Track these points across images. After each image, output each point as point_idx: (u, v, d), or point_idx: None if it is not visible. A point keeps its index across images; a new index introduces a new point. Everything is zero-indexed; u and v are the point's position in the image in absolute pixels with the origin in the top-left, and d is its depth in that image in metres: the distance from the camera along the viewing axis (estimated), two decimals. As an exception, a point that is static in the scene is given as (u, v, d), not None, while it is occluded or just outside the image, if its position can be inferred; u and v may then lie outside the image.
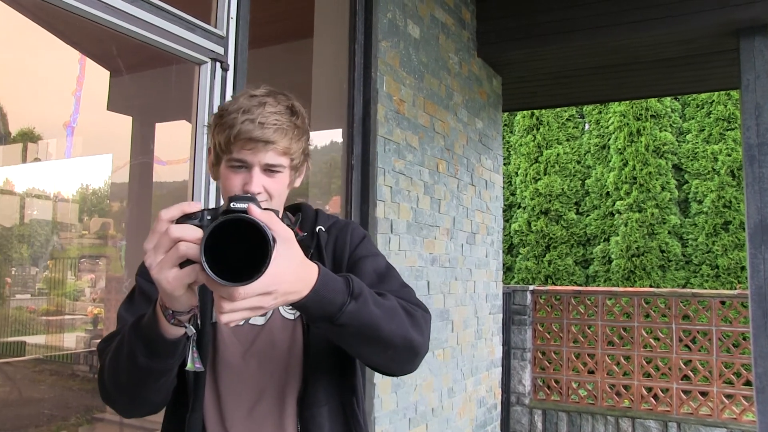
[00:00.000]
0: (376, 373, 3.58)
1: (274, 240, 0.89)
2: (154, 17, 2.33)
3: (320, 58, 3.74)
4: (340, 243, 1.37)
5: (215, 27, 2.61)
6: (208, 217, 0.96)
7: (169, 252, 0.92)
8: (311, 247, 1.36)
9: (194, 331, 1.07)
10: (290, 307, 1.22)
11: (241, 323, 1.30)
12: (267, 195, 1.25)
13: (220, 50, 2.59)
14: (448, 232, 4.62)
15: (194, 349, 1.11)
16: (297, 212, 1.46)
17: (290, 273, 0.94)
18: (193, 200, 2.48)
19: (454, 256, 4.71)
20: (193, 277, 0.93)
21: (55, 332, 6.08)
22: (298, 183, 1.40)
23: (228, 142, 1.24)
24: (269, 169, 1.26)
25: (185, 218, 0.95)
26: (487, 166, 5.45)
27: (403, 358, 1.18)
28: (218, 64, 2.57)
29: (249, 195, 0.99)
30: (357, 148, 3.59)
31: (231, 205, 0.90)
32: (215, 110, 1.33)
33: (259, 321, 1.31)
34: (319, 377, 1.28)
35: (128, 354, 1.10)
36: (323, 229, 1.38)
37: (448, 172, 4.61)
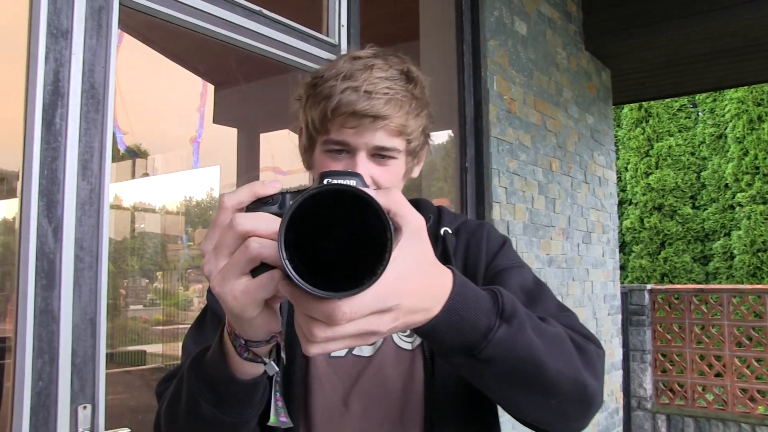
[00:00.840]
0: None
1: (395, 229, 0.61)
2: (269, 29, 2.31)
3: (428, 60, 3.65)
4: (473, 249, 1.04)
5: (327, 35, 2.57)
6: (291, 202, 0.61)
7: (234, 254, 0.61)
8: (436, 255, 1.06)
9: (276, 369, 0.75)
10: (407, 333, 0.96)
11: (342, 353, 0.99)
12: (376, 188, 0.93)
13: (332, 58, 2.54)
14: (564, 232, 4.40)
15: (278, 394, 0.80)
16: (415, 208, 1.21)
17: (418, 280, 0.62)
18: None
19: (571, 257, 4.49)
20: (271, 289, 0.61)
21: (169, 341, 6.22)
22: (416, 172, 1.08)
23: (324, 119, 0.95)
24: (379, 154, 0.97)
25: (258, 204, 0.65)
26: (600, 163, 5.17)
27: (571, 409, 0.80)
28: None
29: (352, 171, 0.67)
30: (470, 150, 3.46)
31: (324, 182, 0.61)
32: (323, 75, 0.99)
33: (366, 351, 0.99)
34: (446, 428, 0.95)
35: (188, 400, 0.80)
36: (450, 232, 1.06)
37: (561, 171, 4.40)
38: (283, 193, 0.66)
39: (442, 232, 1.06)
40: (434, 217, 1.10)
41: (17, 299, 1.66)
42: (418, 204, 1.13)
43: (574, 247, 4.55)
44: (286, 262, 0.53)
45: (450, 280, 0.68)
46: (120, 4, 1.86)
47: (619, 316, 5.43)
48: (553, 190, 4.25)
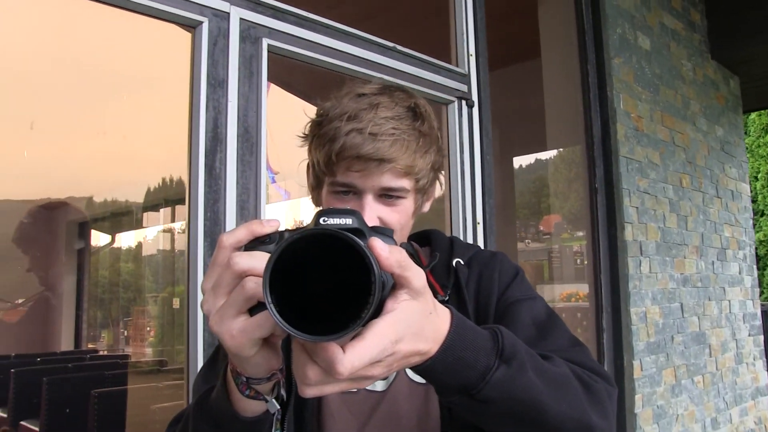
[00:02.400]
0: (636, 401, 3.24)
1: (396, 284, 0.60)
2: (403, 64, 2.29)
3: (551, 79, 3.53)
4: (485, 281, 0.99)
5: (456, 65, 2.53)
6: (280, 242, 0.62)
7: (232, 293, 0.60)
8: (447, 287, 0.99)
9: (278, 406, 0.73)
10: None
11: (354, 390, 0.94)
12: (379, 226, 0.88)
13: (464, 88, 2.49)
14: (697, 250, 4.09)
15: None
16: (426, 241, 1.10)
17: (415, 328, 0.61)
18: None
19: (706, 275, 4.16)
20: (267, 327, 0.60)
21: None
22: (426, 207, 1.04)
23: (329, 161, 0.92)
24: (387, 195, 0.93)
25: (256, 243, 0.64)
26: (732, 176, 4.79)
27: None
28: (464, 102, 2.48)
29: (348, 208, 0.65)
30: (599, 171, 3.29)
31: (320, 220, 0.60)
32: (328, 114, 0.96)
33: (379, 386, 0.95)
34: None
35: None
36: (462, 263, 1.02)
37: (692, 186, 4.10)
38: (281, 232, 0.65)
39: (454, 263, 1.01)
40: (446, 248, 1.05)
41: (187, 334, 1.72)
42: (429, 236, 1.09)
43: (708, 265, 4.22)
44: (271, 305, 0.52)
45: (448, 321, 0.66)
46: (268, 51, 1.91)
47: (761, 337, 4.97)
48: (684, 207, 3.97)
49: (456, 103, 2.47)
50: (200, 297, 1.66)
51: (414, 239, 1.11)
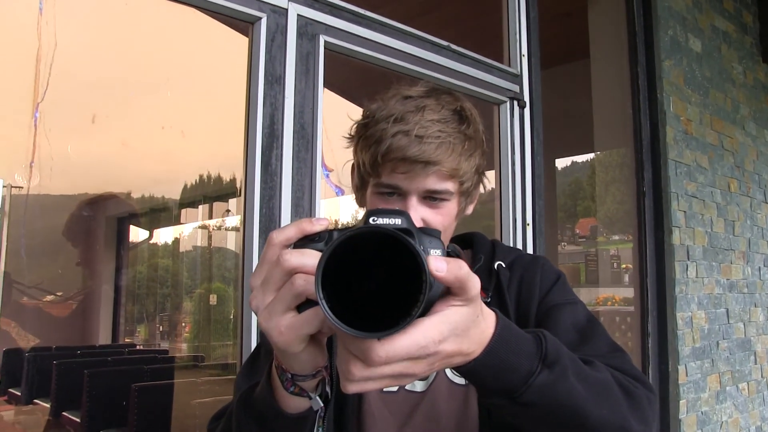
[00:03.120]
0: (681, 406, 3.16)
1: (453, 292, 0.59)
2: (457, 63, 2.25)
3: (599, 80, 3.45)
4: (526, 284, 0.99)
5: (509, 66, 2.48)
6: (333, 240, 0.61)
7: (281, 290, 0.61)
8: (489, 289, 0.98)
9: (321, 404, 0.73)
10: None
11: (394, 388, 0.93)
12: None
13: (515, 88, 2.44)
14: (744, 256, 3.97)
15: (321, 430, 0.76)
16: (468, 244, 1.09)
17: (461, 325, 0.61)
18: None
19: (752, 281, 4.03)
20: (315, 324, 0.60)
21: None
22: (470, 210, 1.03)
23: (375, 163, 0.92)
24: (431, 197, 0.93)
25: (306, 241, 0.64)
26: (780, 181, 4.64)
27: None
28: (515, 103, 2.42)
29: (397, 209, 0.64)
30: (648, 174, 3.21)
31: (370, 220, 0.60)
32: (375, 116, 0.96)
33: (419, 386, 0.95)
34: None
35: None
36: (503, 265, 1.02)
37: (740, 191, 3.98)
38: (330, 231, 0.64)
39: (495, 266, 1.02)
40: (488, 251, 1.05)
41: (241, 330, 1.70)
42: (473, 239, 1.08)
43: (755, 271, 4.09)
44: (323, 300, 0.53)
45: (493, 324, 0.66)
46: (324, 48, 1.88)
47: (807, 347, 4.81)
48: (732, 212, 3.86)
49: (508, 104, 2.42)
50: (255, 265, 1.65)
51: (456, 242, 1.10)
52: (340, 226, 0.66)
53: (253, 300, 0.63)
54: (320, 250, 0.61)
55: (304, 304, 0.61)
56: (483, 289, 0.96)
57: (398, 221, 0.60)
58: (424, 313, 0.57)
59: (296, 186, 1.76)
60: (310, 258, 0.60)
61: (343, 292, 0.55)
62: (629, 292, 4.63)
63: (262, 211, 1.70)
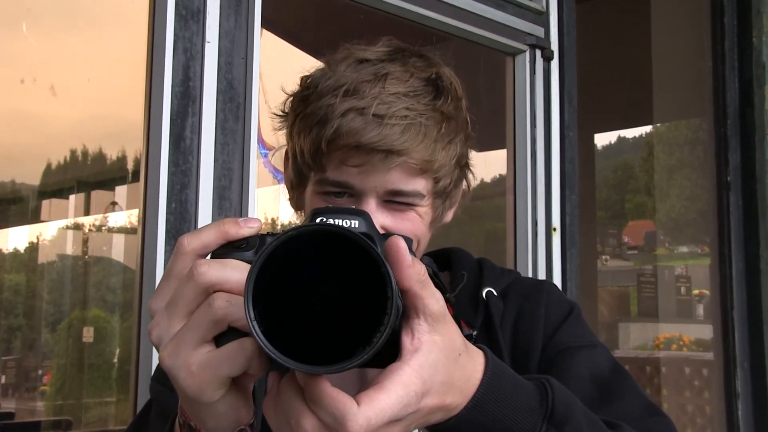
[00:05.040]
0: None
1: (413, 311, 0.63)
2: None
3: (662, 19, 3.52)
4: (526, 319, 1.04)
5: (531, 0, 2.56)
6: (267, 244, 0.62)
7: (194, 314, 0.63)
8: (475, 324, 1.03)
9: None
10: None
11: None
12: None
13: (538, 32, 2.52)
14: None
15: None
16: (444, 264, 1.14)
17: (442, 374, 0.64)
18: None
19: None
20: (240, 362, 0.63)
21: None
22: (448, 217, 1.09)
23: (317, 152, 0.96)
24: (394, 200, 0.98)
25: (229, 249, 0.67)
26: None
27: None
28: (538, 53, 2.51)
29: (354, 208, 0.69)
30: (734, 157, 3.26)
31: (317, 221, 0.64)
32: (318, 86, 0.99)
33: None
34: None
35: None
36: (494, 293, 1.07)
37: None
38: (262, 236, 0.68)
39: (484, 293, 1.06)
40: (473, 273, 1.10)
41: (136, 377, 1.75)
42: (449, 257, 1.13)
43: None
44: (254, 324, 0.56)
45: (481, 366, 0.69)
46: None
47: None
48: None
49: (527, 54, 2.50)
50: (158, 280, 1.68)
51: (428, 259, 1.13)
52: (276, 230, 0.69)
53: (155, 329, 0.66)
54: (249, 261, 0.63)
55: (224, 335, 0.64)
56: (466, 323, 1.01)
57: (355, 223, 0.65)
58: (388, 342, 0.59)
59: (221, 170, 1.81)
60: (235, 271, 0.63)
61: (280, 315, 0.59)
62: (705, 331, 4.71)
63: (171, 206, 1.74)
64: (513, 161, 2.49)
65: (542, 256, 2.47)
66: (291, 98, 1.04)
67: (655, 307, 7.00)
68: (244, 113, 1.87)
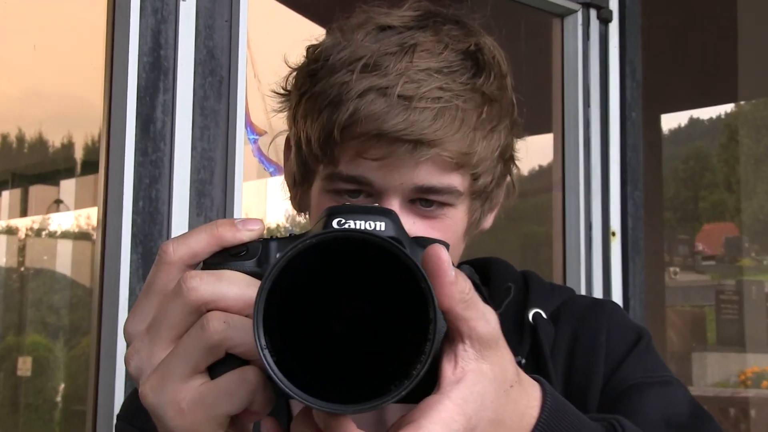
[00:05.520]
0: None
1: (458, 335, 0.64)
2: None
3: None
4: (583, 346, 1.06)
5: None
6: (279, 256, 0.61)
7: (183, 338, 0.64)
8: (521, 352, 1.04)
9: None
10: None
11: None
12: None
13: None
14: None
15: None
16: (482, 275, 1.15)
17: (490, 410, 0.65)
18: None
19: None
20: (241, 396, 0.63)
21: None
22: (488, 222, 1.10)
23: (327, 141, 0.98)
24: (424, 199, 1.00)
25: (225, 257, 0.68)
26: None
27: None
28: (593, 13, 2.52)
29: (379, 206, 0.70)
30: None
31: (334, 223, 0.64)
32: (329, 59, 0.98)
33: None
34: None
35: None
36: (543, 316, 1.08)
37: None
38: (265, 241, 0.68)
39: (530, 315, 1.07)
40: (518, 288, 1.10)
41: (94, 416, 1.77)
42: (488, 267, 1.14)
43: None
44: (265, 353, 0.56)
45: (537, 402, 0.70)
46: None
47: None
48: None
49: (579, 14, 2.52)
50: (122, 347, 1.70)
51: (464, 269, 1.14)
52: (279, 234, 0.72)
53: (133, 357, 0.67)
54: (250, 273, 0.65)
55: (220, 363, 0.64)
56: (509, 341, 1.02)
57: (381, 225, 0.66)
58: (428, 371, 0.59)
59: (200, 160, 1.84)
60: (233, 285, 0.64)
61: (295, 341, 0.60)
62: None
63: (138, 205, 1.77)
64: (561, 149, 2.50)
65: (598, 268, 2.48)
66: (294, 73, 1.04)
67: (740, 333, 6.95)
68: (228, 89, 1.90)
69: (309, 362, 0.60)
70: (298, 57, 1.05)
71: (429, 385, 0.62)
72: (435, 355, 0.59)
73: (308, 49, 1.03)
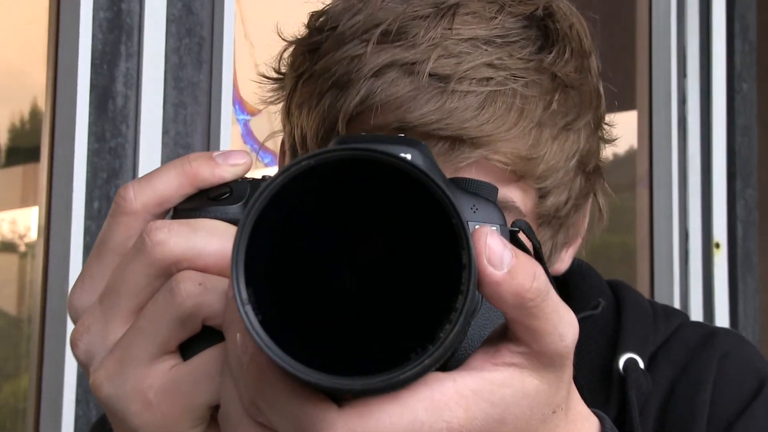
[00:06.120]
0: None
1: (513, 340, 0.63)
2: None
3: None
4: (679, 403, 1.03)
5: None
6: (267, 182, 0.59)
7: (146, 308, 0.65)
8: (607, 404, 1.02)
9: None
10: None
11: None
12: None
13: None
14: None
15: None
16: (560, 287, 1.06)
17: (513, 416, 0.63)
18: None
19: None
20: (216, 382, 0.64)
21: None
22: (563, 264, 1.07)
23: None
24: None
25: (201, 201, 0.70)
26: None
27: None
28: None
29: (401, 136, 0.69)
30: None
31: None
32: (337, 27, 0.93)
33: None
34: None
35: None
36: (639, 362, 1.05)
37: None
38: (252, 180, 0.69)
39: (621, 361, 1.03)
40: (605, 320, 1.07)
41: (37, 413, 1.80)
42: (567, 275, 1.11)
43: None
44: (246, 309, 0.56)
45: None
46: None
47: None
48: None
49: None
50: (71, 388, 1.73)
51: None
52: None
53: (82, 337, 0.68)
54: (231, 220, 0.66)
55: (196, 340, 0.66)
56: (591, 400, 0.99)
57: (407, 155, 0.64)
58: (459, 335, 0.60)
59: (173, 147, 1.86)
60: (212, 237, 0.65)
61: (288, 298, 0.60)
62: None
63: (92, 206, 1.78)
64: (648, 131, 2.51)
65: (696, 290, 2.46)
66: (291, 48, 1.04)
67: None
68: (211, 54, 1.92)
69: (305, 323, 0.60)
70: (297, 26, 1.03)
71: (458, 360, 0.63)
72: (469, 314, 0.59)
73: (311, 15, 1.00)
